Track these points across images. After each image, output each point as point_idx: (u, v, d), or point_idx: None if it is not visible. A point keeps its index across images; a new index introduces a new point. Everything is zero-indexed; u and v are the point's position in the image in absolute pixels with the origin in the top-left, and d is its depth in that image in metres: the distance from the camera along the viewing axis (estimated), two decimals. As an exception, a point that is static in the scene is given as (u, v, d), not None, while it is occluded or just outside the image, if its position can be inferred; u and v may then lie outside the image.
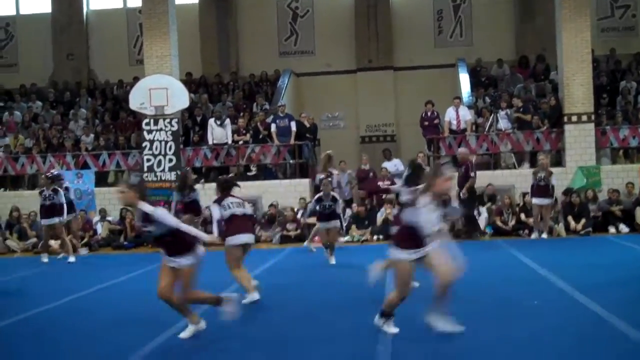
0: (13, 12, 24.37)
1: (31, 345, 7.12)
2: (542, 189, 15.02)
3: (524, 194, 16.00)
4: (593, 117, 17.04)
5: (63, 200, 14.42)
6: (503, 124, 17.63)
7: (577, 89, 16.96)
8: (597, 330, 6.76)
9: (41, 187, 14.99)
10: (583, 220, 15.35)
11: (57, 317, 8.60)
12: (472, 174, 15.29)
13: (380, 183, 17.11)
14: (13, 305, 9.31)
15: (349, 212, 16.66)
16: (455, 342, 6.43)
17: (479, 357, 6.02)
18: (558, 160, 17.59)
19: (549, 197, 15.12)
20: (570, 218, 15.52)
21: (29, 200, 17.56)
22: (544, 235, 15.03)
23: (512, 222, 15.76)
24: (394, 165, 18.08)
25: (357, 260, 13.03)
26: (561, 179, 16.51)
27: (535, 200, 15.12)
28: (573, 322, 7.11)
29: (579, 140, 16.87)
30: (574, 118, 16.97)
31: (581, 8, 16.95)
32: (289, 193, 17.28)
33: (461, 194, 14.95)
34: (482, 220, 15.81)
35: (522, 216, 15.71)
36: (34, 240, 16.75)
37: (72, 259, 14.22)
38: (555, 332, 6.69)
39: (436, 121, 18.11)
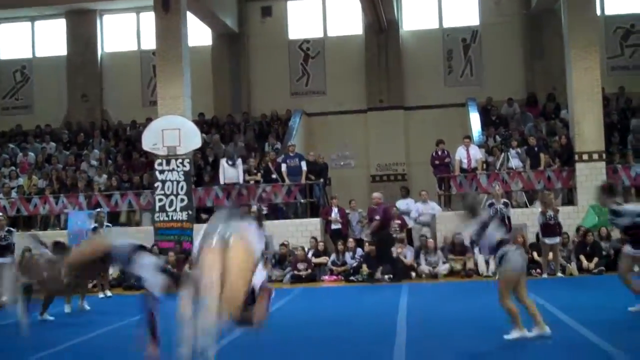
0: (29, 55, 24.77)
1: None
2: (551, 227, 15.02)
3: (538, 233, 15.94)
4: (604, 155, 17.03)
5: None
6: (514, 162, 17.64)
7: (587, 127, 17.00)
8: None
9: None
10: (596, 259, 15.25)
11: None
12: (376, 217, 15.91)
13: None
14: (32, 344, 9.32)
15: (359, 251, 16.63)
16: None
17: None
18: (570, 198, 17.54)
19: (559, 235, 15.19)
20: (582, 257, 15.42)
21: (41, 241, 17.64)
22: (559, 274, 15.00)
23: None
24: (406, 203, 18.11)
25: (369, 299, 13.02)
26: (573, 218, 16.51)
27: (547, 240, 15.09)
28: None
29: (590, 179, 16.81)
30: (585, 156, 16.97)
31: (591, 47, 17.07)
32: (299, 232, 17.28)
33: (364, 236, 16.26)
34: (492, 260, 15.70)
35: (535, 255, 15.61)
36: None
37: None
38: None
39: (447, 160, 18.14)
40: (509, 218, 14.84)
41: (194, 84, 18.94)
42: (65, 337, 9.70)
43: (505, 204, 14.95)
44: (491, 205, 14.78)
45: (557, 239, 15.14)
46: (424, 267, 15.98)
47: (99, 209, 16.83)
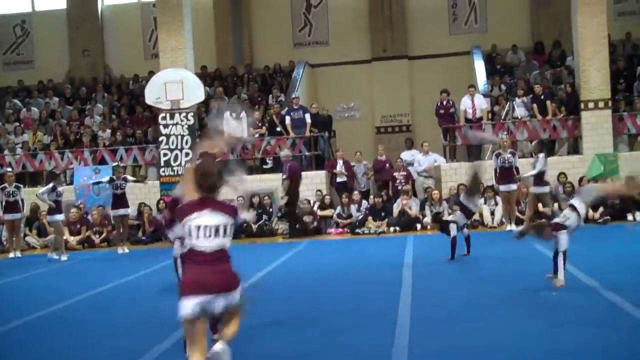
0: (29, 9, 24.53)
1: (45, 343, 7.18)
2: (506, 172, 14.53)
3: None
4: (610, 103, 16.90)
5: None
6: (519, 111, 17.53)
7: (593, 74, 16.83)
8: (617, 321, 6.71)
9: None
10: (601, 209, 15.24)
11: (71, 314, 8.66)
12: (284, 177, 15.82)
13: (395, 174, 17.14)
14: (31, 302, 9.41)
15: (365, 203, 16.67)
16: (473, 335, 6.42)
17: (498, 349, 6.00)
18: (575, 148, 17.49)
19: (515, 181, 14.65)
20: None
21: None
22: (513, 227, 14.45)
23: (529, 212, 15.63)
24: (411, 155, 18.11)
25: (375, 251, 13.10)
26: (578, 167, 16.47)
27: (501, 187, 14.70)
28: (592, 313, 7.04)
29: (596, 127, 16.74)
30: (591, 105, 16.85)
31: (597, -8, 16.80)
32: (305, 185, 17.28)
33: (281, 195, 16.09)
34: (498, 210, 15.73)
35: (540, 206, 15.59)
36: (53, 236, 16.90)
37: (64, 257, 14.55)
38: (574, 323, 6.66)
39: (452, 110, 18.02)
40: (517, 168, 14.69)
41: (196, 35, 18.75)
42: (80, 290, 9.82)
43: (512, 154, 14.79)
44: (498, 155, 14.70)
45: (514, 186, 14.65)
46: (429, 219, 16.02)
47: (115, 163, 17.15)
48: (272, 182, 17.22)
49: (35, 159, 18.90)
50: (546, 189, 14.58)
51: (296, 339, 6.72)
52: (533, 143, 15.85)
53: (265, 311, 7.84)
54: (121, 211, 15.29)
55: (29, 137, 19.86)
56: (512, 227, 14.49)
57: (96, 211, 16.75)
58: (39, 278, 12.27)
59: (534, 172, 14.26)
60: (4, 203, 15.28)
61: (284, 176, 15.92)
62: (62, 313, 8.76)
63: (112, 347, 6.86)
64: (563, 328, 6.50)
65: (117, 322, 8.07)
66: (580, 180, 15.99)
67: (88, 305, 9.25)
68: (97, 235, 16.60)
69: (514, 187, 14.64)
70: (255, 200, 16.79)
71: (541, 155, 14.48)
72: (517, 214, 15.28)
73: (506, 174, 14.51)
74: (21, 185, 15.95)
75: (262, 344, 6.57)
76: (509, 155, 14.58)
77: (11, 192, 15.25)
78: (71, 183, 18.36)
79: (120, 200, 15.31)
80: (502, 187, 14.67)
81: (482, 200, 15.97)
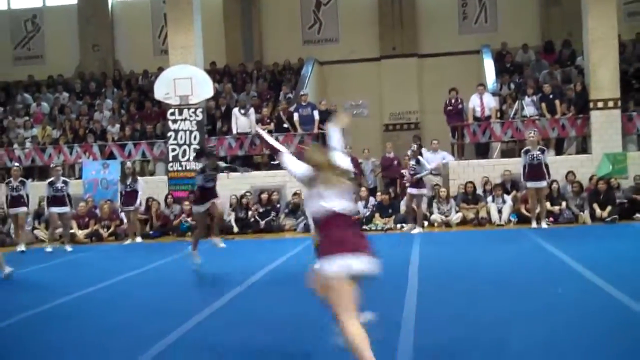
0: (40, 4, 24.66)
1: (51, 337, 7.18)
2: (535, 168, 14.47)
3: (552, 182, 15.85)
4: (619, 103, 16.83)
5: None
6: (529, 110, 17.48)
7: (603, 74, 16.77)
8: (624, 319, 6.69)
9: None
10: (609, 208, 15.19)
11: (79, 308, 8.63)
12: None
13: (404, 171, 17.11)
14: (38, 295, 9.43)
15: (372, 200, 16.67)
16: (478, 332, 6.42)
17: (502, 347, 6.00)
18: (584, 147, 17.44)
19: (544, 178, 14.56)
20: (595, 205, 15.37)
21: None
22: (544, 225, 14.53)
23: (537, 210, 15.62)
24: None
25: (381, 248, 13.08)
26: (587, 166, 16.44)
27: (529, 184, 14.62)
28: (597, 310, 7.02)
29: (605, 127, 16.69)
30: (600, 104, 16.79)
31: (607, -8, 16.74)
32: (312, 182, 17.30)
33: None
34: (506, 208, 15.71)
35: (548, 204, 15.57)
36: (61, 229, 16.96)
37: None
38: (578, 323, 6.65)
39: (460, 107, 17.99)
40: (546, 165, 14.52)
41: (206, 32, 18.78)
42: (86, 283, 9.84)
43: (542, 150, 14.67)
44: (527, 152, 14.63)
45: (544, 183, 14.58)
46: (437, 216, 16.03)
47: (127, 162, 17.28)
48: (280, 178, 17.25)
49: (44, 153, 18.98)
50: (424, 191, 15.21)
51: (295, 337, 6.71)
52: (413, 146, 15.73)
53: (269, 306, 7.88)
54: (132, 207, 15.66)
55: (38, 131, 19.95)
56: (543, 224, 14.47)
57: (106, 205, 16.83)
58: (47, 271, 12.31)
59: (427, 172, 15.02)
60: (9, 197, 15.33)
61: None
62: (61, 308, 8.78)
63: (111, 344, 6.80)
64: (566, 326, 6.49)
65: (117, 317, 8.08)
66: (590, 179, 15.98)
67: (88, 300, 9.26)
68: (105, 229, 16.66)
69: (544, 183, 14.56)
70: (264, 196, 16.82)
71: (422, 158, 15.01)
72: (524, 211, 15.29)
73: (535, 170, 14.40)
74: (26, 180, 15.87)
75: (261, 341, 6.58)
76: (538, 152, 14.49)
77: (15, 186, 15.28)
78: (80, 177, 18.46)
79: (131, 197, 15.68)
80: (530, 184, 14.57)
81: (490, 197, 15.98)
